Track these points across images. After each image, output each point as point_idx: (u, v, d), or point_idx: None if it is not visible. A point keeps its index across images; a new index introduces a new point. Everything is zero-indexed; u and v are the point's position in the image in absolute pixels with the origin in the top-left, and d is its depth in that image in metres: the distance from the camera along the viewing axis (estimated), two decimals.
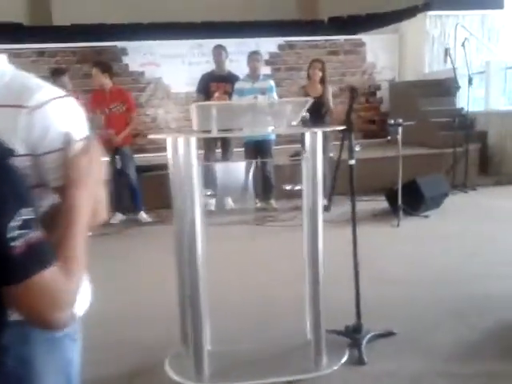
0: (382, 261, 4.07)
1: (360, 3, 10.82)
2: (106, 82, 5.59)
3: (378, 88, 9.48)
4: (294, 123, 2.40)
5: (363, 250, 4.28)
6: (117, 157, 5.71)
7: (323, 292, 2.39)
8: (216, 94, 5.89)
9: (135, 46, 8.71)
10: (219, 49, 6.12)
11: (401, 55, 9.46)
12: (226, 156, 6.16)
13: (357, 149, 6.73)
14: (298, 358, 2.50)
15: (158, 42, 8.70)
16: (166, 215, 5.95)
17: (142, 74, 8.71)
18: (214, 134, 2.33)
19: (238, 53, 8.06)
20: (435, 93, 8.08)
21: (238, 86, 5.86)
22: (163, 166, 6.79)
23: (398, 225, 5.05)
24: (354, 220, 2.65)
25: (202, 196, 2.24)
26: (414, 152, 6.99)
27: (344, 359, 2.50)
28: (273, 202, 6.08)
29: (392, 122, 5.03)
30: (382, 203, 5.67)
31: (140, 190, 5.91)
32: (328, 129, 2.43)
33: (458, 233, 4.78)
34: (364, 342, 2.64)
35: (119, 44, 8.68)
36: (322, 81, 5.82)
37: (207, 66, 6.72)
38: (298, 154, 2.27)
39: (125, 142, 5.71)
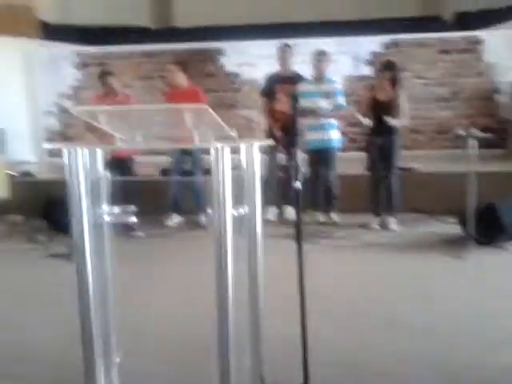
0: (402, 302, 3.37)
1: None
2: (179, 81, 5.44)
3: (497, 91, 8.28)
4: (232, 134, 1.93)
5: (391, 287, 3.62)
6: (186, 156, 5.52)
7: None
8: (283, 99, 5.46)
9: (231, 46, 8.67)
10: (285, 48, 5.70)
11: None
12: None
13: None
14: None
15: (253, 42, 8.54)
16: None
17: (237, 74, 8.66)
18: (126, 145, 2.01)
19: (338, 53, 7.67)
20: None
21: (301, 87, 5.40)
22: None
23: (459, 256, 4.21)
24: (299, 250, 2.13)
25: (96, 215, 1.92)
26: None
27: None
28: (334, 215, 5.52)
29: (460, 132, 4.19)
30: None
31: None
32: (259, 143, 1.94)
33: None
34: None
35: (215, 44, 8.71)
36: (394, 83, 5.09)
37: (301, 66, 6.06)
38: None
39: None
